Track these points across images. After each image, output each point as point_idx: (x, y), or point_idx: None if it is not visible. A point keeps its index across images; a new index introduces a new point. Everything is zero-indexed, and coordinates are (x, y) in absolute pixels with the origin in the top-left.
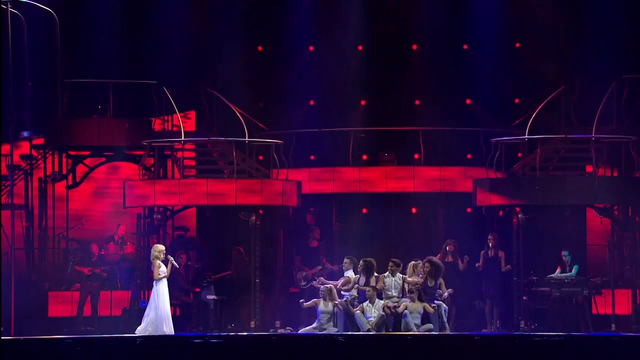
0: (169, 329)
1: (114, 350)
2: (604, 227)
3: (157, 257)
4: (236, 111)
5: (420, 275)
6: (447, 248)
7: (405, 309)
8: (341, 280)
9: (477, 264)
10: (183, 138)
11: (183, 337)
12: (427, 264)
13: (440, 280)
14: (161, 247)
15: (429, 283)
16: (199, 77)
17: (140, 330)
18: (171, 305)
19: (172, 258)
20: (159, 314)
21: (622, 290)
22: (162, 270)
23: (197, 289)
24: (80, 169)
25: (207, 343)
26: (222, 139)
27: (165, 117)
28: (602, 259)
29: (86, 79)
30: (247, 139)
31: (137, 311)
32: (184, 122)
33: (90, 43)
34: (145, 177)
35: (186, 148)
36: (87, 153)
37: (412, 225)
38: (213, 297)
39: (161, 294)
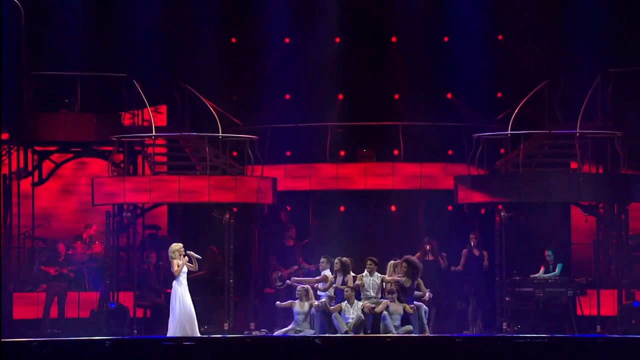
0: (190, 330)
1: (82, 353)
2: (589, 225)
3: (173, 258)
4: (209, 105)
5: (399, 275)
6: (427, 247)
7: (386, 309)
8: (318, 278)
9: (452, 268)
10: (154, 133)
11: (154, 340)
12: (404, 264)
13: (419, 280)
14: (177, 245)
15: (405, 283)
16: (171, 70)
17: (171, 332)
18: (141, 306)
19: (191, 252)
20: (174, 316)
21: (608, 290)
22: (183, 270)
23: (169, 290)
24: (47, 165)
25: (179, 346)
26: (195, 134)
27: (136, 112)
28: (587, 259)
29: (53, 72)
30: (220, 134)
31: (105, 313)
32: (155, 116)
33: (57, 34)
34: (114, 173)
35: (157, 144)
36: (53, 149)
37: (392, 223)
38: None
39: (178, 295)
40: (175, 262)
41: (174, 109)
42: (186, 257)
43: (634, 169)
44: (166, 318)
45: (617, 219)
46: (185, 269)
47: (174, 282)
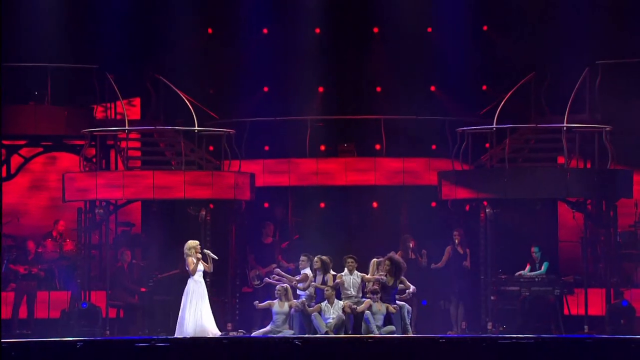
0: (211, 326)
1: (52, 355)
2: (577, 222)
3: (188, 255)
4: (184, 98)
5: (381, 274)
6: (411, 244)
7: (369, 308)
8: (298, 276)
9: (432, 265)
10: (127, 127)
11: (127, 340)
12: (387, 262)
13: (402, 278)
14: (193, 243)
15: (387, 282)
16: (145, 62)
17: (180, 332)
18: (114, 306)
19: (207, 251)
20: (183, 315)
21: (596, 289)
22: (199, 267)
23: (143, 289)
24: (16, 160)
25: (153, 347)
26: (170, 128)
27: (108, 105)
28: (574, 256)
29: (22, 63)
30: (196, 128)
31: (77, 313)
32: (128, 109)
33: (27, 24)
34: (86, 168)
35: (130, 138)
36: (22, 143)
37: (373, 220)
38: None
39: (190, 293)
40: (190, 259)
41: (148, 102)
42: (199, 255)
43: (622, 164)
44: (140, 318)
45: (605, 215)
46: (200, 267)
47: (189, 280)
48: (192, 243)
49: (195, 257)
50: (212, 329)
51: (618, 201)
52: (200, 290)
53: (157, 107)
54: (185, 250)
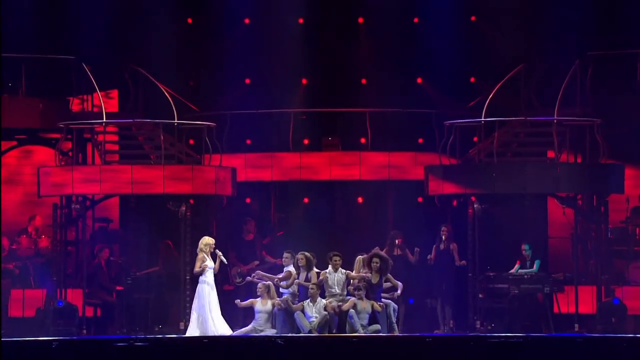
0: (218, 329)
1: (27, 355)
2: (567, 218)
3: (202, 250)
4: (164, 90)
5: (364, 271)
6: (397, 241)
7: (353, 307)
8: (281, 274)
9: (428, 256)
10: (104, 120)
11: (105, 340)
12: (376, 260)
13: (389, 275)
14: (208, 240)
15: (373, 279)
16: (123, 52)
17: (189, 333)
18: (91, 304)
19: (220, 253)
20: (202, 312)
21: (586, 287)
22: (210, 265)
23: (120, 287)
24: None
25: (132, 347)
26: (148, 120)
27: (85, 97)
28: (564, 253)
29: None
30: (176, 121)
31: (52, 312)
32: (106, 102)
33: (1, 13)
34: (62, 163)
35: (108, 131)
36: None
37: (358, 216)
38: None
39: (203, 292)
40: (200, 255)
41: (126, 94)
42: (202, 255)
43: (614, 158)
44: (118, 317)
45: (596, 211)
46: (211, 264)
47: (202, 283)
48: (208, 240)
49: (208, 255)
50: (221, 329)
51: (609, 196)
52: (207, 287)
53: (136, 99)
54: (200, 246)
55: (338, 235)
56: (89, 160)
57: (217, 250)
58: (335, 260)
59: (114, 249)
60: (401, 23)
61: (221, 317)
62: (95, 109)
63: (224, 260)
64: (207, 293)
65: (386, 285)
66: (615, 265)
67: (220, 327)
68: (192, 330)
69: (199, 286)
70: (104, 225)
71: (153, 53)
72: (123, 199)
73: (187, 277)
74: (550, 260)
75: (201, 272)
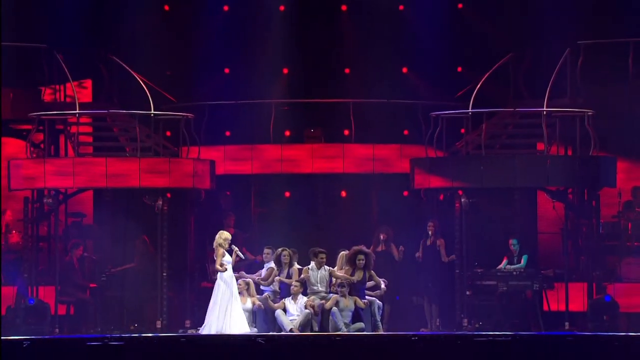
0: (238, 328)
1: None
2: (557, 212)
3: (220, 245)
4: (140, 80)
5: (345, 268)
6: (381, 236)
7: (335, 304)
8: (263, 272)
9: (417, 254)
10: (78, 110)
11: (78, 339)
12: (361, 257)
13: (372, 273)
14: (227, 234)
15: (357, 277)
16: (97, 41)
17: (204, 329)
18: (64, 302)
19: (236, 248)
20: (219, 312)
21: (577, 283)
22: (227, 260)
23: (94, 284)
24: None
25: (106, 346)
26: (124, 111)
27: (57, 86)
28: (554, 249)
29: None
30: (152, 112)
31: (23, 310)
32: (79, 92)
33: None
34: (33, 155)
35: (81, 122)
36: None
37: (342, 210)
38: None
39: (222, 289)
40: (220, 250)
41: (100, 84)
42: (222, 250)
43: (605, 150)
44: (91, 315)
45: (587, 205)
46: (229, 259)
47: (218, 275)
48: (225, 235)
49: (225, 249)
50: (242, 330)
51: (601, 190)
52: (228, 284)
53: (110, 89)
54: (219, 240)
55: (320, 231)
56: (61, 153)
57: (234, 246)
58: (321, 258)
59: (88, 245)
60: (386, 10)
61: (240, 316)
62: (68, 99)
63: (241, 255)
64: (222, 291)
65: (369, 283)
66: (607, 262)
67: (235, 327)
68: (209, 329)
69: (216, 283)
70: (77, 220)
71: (128, 41)
72: (97, 192)
73: (164, 274)
74: (540, 257)
75: (225, 269)
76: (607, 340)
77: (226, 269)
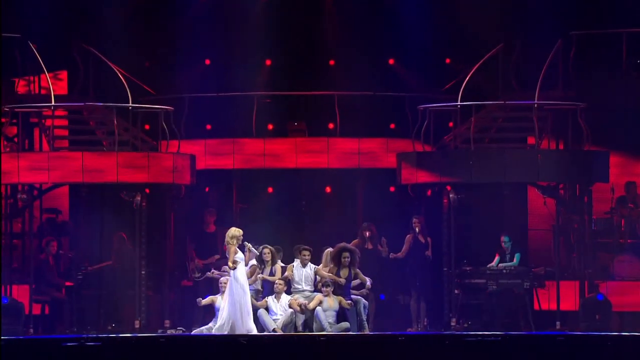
0: (247, 327)
1: None
2: (548, 208)
3: (228, 243)
4: (117, 71)
5: (332, 266)
6: (367, 234)
7: (319, 304)
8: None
9: (391, 255)
10: (53, 103)
11: (53, 340)
12: (346, 254)
13: (356, 270)
14: (235, 231)
15: (342, 275)
16: (72, 30)
17: (216, 329)
18: (38, 302)
19: (249, 245)
20: (232, 311)
21: (569, 282)
22: (239, 257)
23: (70, 283)
24: None
25: (83, 346)
26: (101, 104)
27: (31, 78)
28: (545, 246)
29: None
30: (130, 104)
31: None
32: (54, 83)
33: None
34: (7, 149)
35: (57, 115)
36: None
37: (326, 206)
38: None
39: (232, 289)
40: (232, 248)
41: (75, 75)
42: (234, 248)
43: (598, 145)
44: (67, 315)
45: (579, 201)
46: (241, 256)
47: (230, 273)
48: (235, 232)
49: (236, 247)
50: (249, 328)
51: (593, 185)
52: (240, 282)
53: (86, 81)
54: (227, 239)
55: (304, 228)
56: (36, 147)
57: (247, 242)
58: (305, 255)
59: (64, 242)
60: (371, 0)
61: (251, 314)
62: (42, 91)
63: (255, 251)
64: (236, 288)
65: (355, 282)
66: (600, 259)
67: (249, 327)
68: (220, 329)
69: (229, 282)
70: (52, 216)
71: (105, 31)
72: (73, 188)
73: (143, 272)
74: (530, 254)
75: (235, 267)
76: (599, 341)
77: (236, 267)
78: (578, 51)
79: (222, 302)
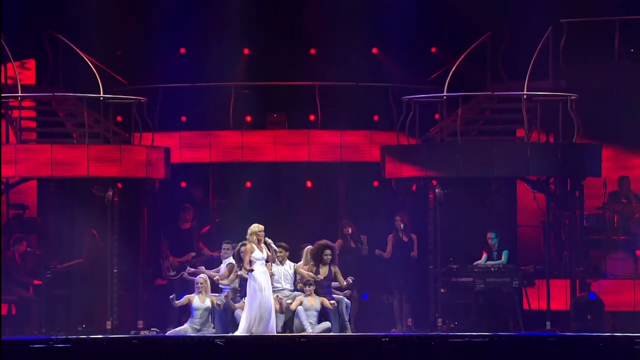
0: (265, 327)
1: None
2: (538, 204)
3: (248, 241)
4: (87, 60)
5: (311, 263)
6: (348, 230)
7: (300, 305)
8: (222, 269)
9: (377, 251)
10: (20, 93)
11: (20, 341)
12: (327, 252)
13: (335, 268)
14: (256, 227)
15: (322, 273)
16: (41, 17)
17: (241, 331)
18: (5, 301)
19: (270, 240)
20: (251, 311)
21: (559, 280)
22: (255, 256)
23: (38, 282)
24: None
25: (51, 348)
26: (70, 94)
27: None
28: (535, 243)
29: None
30: (101, 95)
31: None
32: (21, 73)
33: None
34: None
35: (24, 106)
36: None
37: (307, 201)
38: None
39: (250, 290)
40: (249, 247)
41: (44, 64)
42: (250, 246)
43: (590, 137)
44: (35, 315)
45: (570, 196)
46: (259, 254)
47: (248, 275)
48: (255, 228)
49: (258, 245)
50: (267, 327)
51: (585, 180)
52: (258, 281)
53: (56, 70)
54: (247, 237)
55: (284, 224)
56: (2, 139)
57: (267, 239)
58: (279, 253)
59: (32, 239)
60: None
61: (273, 316)
62: (9, 81)
63: (275, 247)
64: (253, 291)
65: (335, 284)
66: (592, 257)
67: (270, 327)
68: (241, 332)
69: (248, 284)
70: (19, 212)
71: (75, 18)
72: (41, 182)
73: (115, 271)
74: (519, 251)
75: (252, 270)
76: (591, 341)
77: (252, 269)
78: (569, 40)
79: (244, 306)
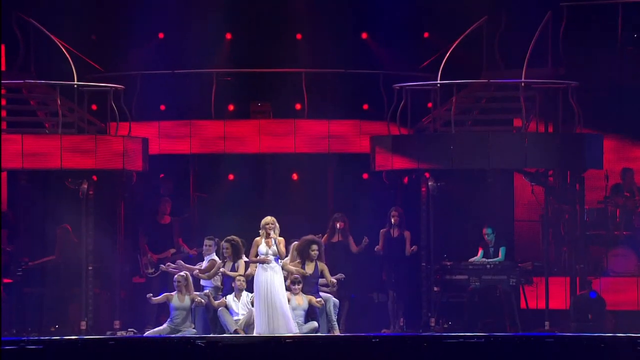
0: (279, 328)
1: None
2: (536, 197)
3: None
4: (61, 45)
5: (298, 261)
6: (338, 225)
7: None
8: (204, 264)
9: (376, 248)
10: None
11: None
12: (315, 247)
13: (323, 265)
14: (267, 219)
15: (308, 270)
16: (10, 1)
17: (260, 332)
18: None
19: (276, 235)
20: (259, 311)
21: (558, 278)
22: (260, 250)
23: (8, 280)
24: None
25: (23, 350)
26: (43, 82)
27: None
28: (533, 239)
29: None
30: (75, 82)
31: None
32: None
33: None
34: None
35: None
36: None
37: (293, 195)
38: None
39: (258, 286)
40: (258, 239)
41: (14, 50)
42: (259, 238)
43: (591, 127)
44: (5, 315)
45: (570, 189)
46: (266, 250)
47: (258, 267)
48: (263, 220)
49: (270, 238)
50: (285, 325)
51: (585, 172)
52: (264, 277)
53: (27, 56)
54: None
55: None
56: None
57: (273, 233)
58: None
59: (1, 235)
60: None
61: (286, 314)
62: None
63: (280, 238)
64: (263, 286)
65: (322, 280)
66: (592, 253)
67: (282, 327)
68: (258, 330)
69: (255, 280)
70: None
71: (48, 1)
72: (12, 175)
73: (90, 268)
74: (516, 248)
75: (269, 261)
76: (592, 342)
77: (264, 265)
78: (569, 24)
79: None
